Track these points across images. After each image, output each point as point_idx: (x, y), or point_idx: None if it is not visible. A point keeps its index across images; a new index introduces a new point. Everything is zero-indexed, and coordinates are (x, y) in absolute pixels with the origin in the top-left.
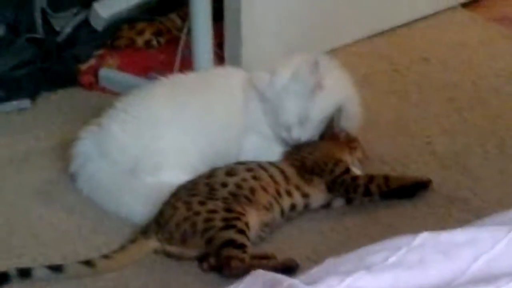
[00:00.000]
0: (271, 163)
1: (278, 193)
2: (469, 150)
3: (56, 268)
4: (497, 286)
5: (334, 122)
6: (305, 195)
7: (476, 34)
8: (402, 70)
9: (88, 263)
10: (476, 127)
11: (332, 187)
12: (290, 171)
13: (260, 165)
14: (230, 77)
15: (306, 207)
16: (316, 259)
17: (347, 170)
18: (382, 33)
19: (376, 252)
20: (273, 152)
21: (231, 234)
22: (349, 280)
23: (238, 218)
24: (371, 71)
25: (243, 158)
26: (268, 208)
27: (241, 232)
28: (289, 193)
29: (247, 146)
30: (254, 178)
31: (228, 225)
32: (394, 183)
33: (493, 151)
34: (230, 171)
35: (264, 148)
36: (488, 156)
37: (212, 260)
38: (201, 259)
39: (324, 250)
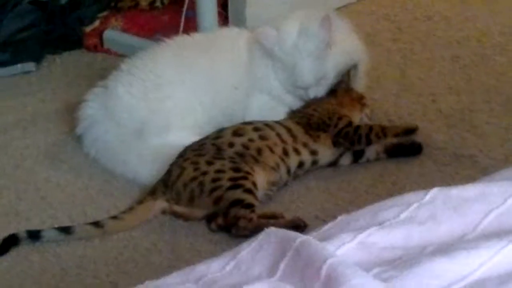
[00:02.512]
0: (278, 122)
1: (285, 152)
2: (474, 108)
3: (65, 230)
4: (509, 240)
5: (349, 78)
6: (313, 152)
7: None
8: (405, 28)
9: (96, 224)
10: (480, 84)
11: (336, 141)
12: (297, 129)
13: (267, 124)
14: (234, 38)
15: (314, 164)
16: (324, 218)
17: (350, 124)
18: None
19: (388, 208)
20: (278, 111)
21: (239, 193)
22: (362, 236)
23: (245, 178)
24: (375, 30)
25: (249, 118)
26: (275, 168)
27: (249, 191)
28: (296, 151)
29: (253, 106)
30: (261, 138)
31: (236, 184)
32: (390, 132)
33: (498, 108)
34: (237, 131)
35: (270, 108)
36: (493, 113)
37: (220, 220)
38: (209, 219)
39: (332, 208)
